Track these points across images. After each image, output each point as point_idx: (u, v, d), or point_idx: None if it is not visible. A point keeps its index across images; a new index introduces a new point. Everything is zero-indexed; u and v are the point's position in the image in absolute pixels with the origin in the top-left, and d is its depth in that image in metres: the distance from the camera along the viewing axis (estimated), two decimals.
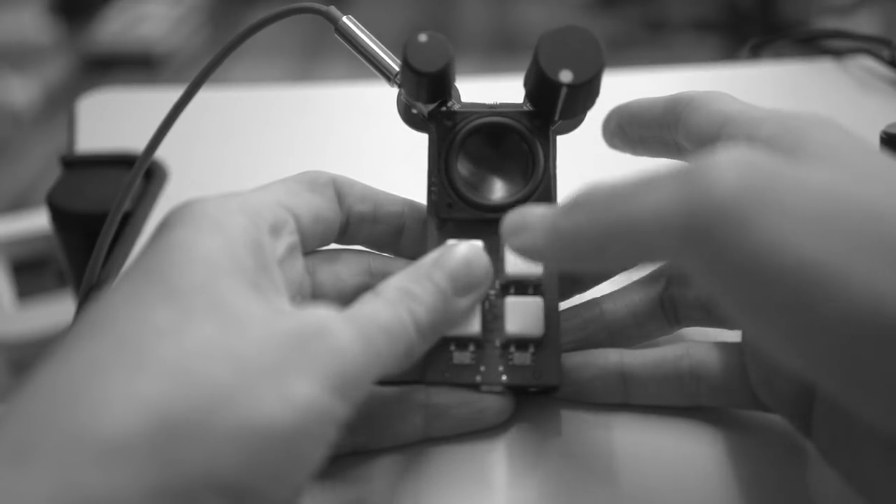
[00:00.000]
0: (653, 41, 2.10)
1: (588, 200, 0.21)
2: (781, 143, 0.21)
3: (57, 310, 0.80)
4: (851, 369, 0.17)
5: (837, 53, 0.51)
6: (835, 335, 0.17)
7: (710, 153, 0.19)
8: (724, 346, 0.27)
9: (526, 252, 0.23)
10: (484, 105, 0.28)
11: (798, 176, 0.18)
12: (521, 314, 0.26)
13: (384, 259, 0.28)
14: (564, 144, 0.29)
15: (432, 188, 0.28)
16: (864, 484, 0.22)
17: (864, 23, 1.66)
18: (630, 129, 0.28)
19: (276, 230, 0.24)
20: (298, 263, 0.25)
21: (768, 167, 0.18)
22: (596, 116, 0.28)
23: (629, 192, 0.20)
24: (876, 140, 0.35)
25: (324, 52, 2.04)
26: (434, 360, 0.26)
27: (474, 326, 0.26)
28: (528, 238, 0.22)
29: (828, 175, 0.19)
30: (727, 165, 0.18)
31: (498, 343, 0.26)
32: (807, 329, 0.17)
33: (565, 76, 0.25)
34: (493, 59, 2.02)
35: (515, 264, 0.27)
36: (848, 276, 0.17)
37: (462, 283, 0.25)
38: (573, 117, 0.28)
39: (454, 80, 0.28)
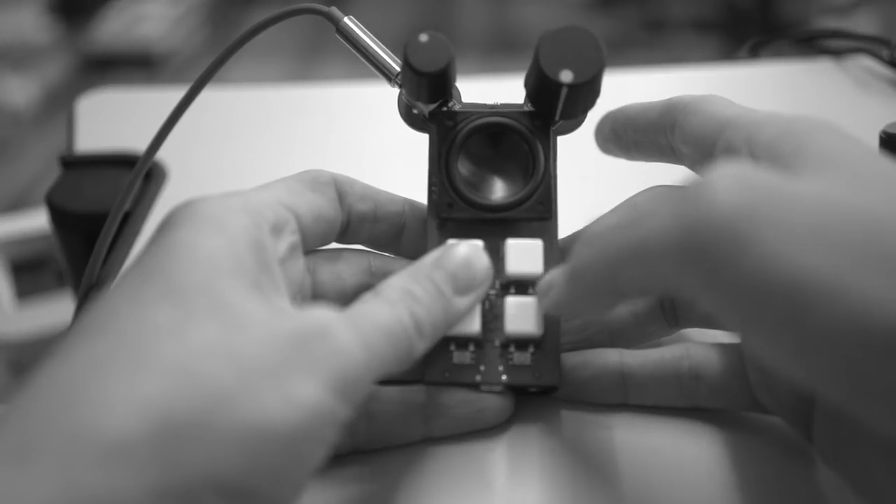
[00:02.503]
0: (652, 41, 2.10)
1: (593, 236, 0.22)
2: (781, 149, 0.21)
3: (56, 310, 0.80)
4: (853, 379, 0.17)
5: (836, 53, 0.51)
6: (834, 346, 0.17)
7: (706, 171, 0.19)
8: (724, 348, 0.27)
9: (556, 307, 0.25)
10: (484, 105, 0.28)
11: (794, 189, 0.18)
12: (521, 314, 0.26)
13: (385, 259, 0.28)
14: (565, 145, 0.29)
15: (433, 188, 0.28)
16: (867, 488, 0.22)
17: (863, 22, 1.66)
18: (625, 134, 0.28)
19: (277, 230, 0.24)
20: (299, 263, 0.25)
21: (763, 182, 0.18)
22: (596, 117, 0.28)
23: (632, 221, 0.20)
24: (875, 140, 0.35)
25: (323, 52, 2.04)
26: (434, 359, 0.26)
27: (474, 326, 0.26)
28: (554, 293, 0.24)
29: (824, 185, 0.19)
30: (722, 183, 0.18)
31: (498, 343, 0.26)
32: (806, 342, 0.17)
33: (566, 76, 0.25)
34: (493, 59, 2.02)
35: (516, 264, 0.27)
36: (843, 286, 0.17)
37: (462, 283, 0.25)
38: (574, 118, 0.28)
39: (455, 80, 0.28)
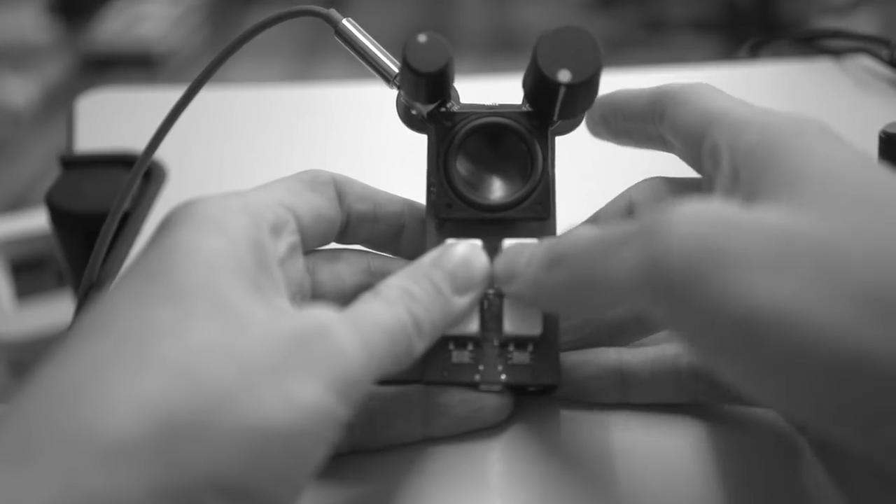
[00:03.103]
0: (651, 41, 2.10)
1: (566, 258, 0.22)
2: (755, 160, 0.22)
3: (56, 310, 0.80)
4: (808, 404, 0.18)
5: (836, 53, 0.51)
6: (786, 373, 0.18)
7: (666, 209, 0.20)
8: None
9: (518, 299, 0.26)
10: (483, 106, 0.28)
11: (752, 220, 0.19)
12: (520, 313, 0.26)
13: (384, 259, 0.28)
14: (563, 144, 0.29)
15: (431, 188, 0.28)
16: (852, 494, 0.22)
17: (863, 22, 1.66)
18: (614, 121, 0.28)
19: (276, 230, 0.24)
20: (299, 263, 0.25)
21: (722, 217, 0.19)
22: None
23: (601, 251, 0.21)
24: (874, 140, 0.35)
25: (322, 52, 2.04)
26: (433, 359, 0.26)
27: (473, 326, 0.26)
28: (517, 288, 0.25)
29: (785, 213, 0.19)
30: (681, 223, 0.19)
31: (497, 342, 0.26)
32: (761, 370, 0.18)
33: (564, 76, 0.25)
34: (493, 59, 2.02)
35: None
36: (793, 315, 0.17)
37: (461, 283, 0.25)
38: (572, 117, 0.28)
39: (453, 81, 0.28)
